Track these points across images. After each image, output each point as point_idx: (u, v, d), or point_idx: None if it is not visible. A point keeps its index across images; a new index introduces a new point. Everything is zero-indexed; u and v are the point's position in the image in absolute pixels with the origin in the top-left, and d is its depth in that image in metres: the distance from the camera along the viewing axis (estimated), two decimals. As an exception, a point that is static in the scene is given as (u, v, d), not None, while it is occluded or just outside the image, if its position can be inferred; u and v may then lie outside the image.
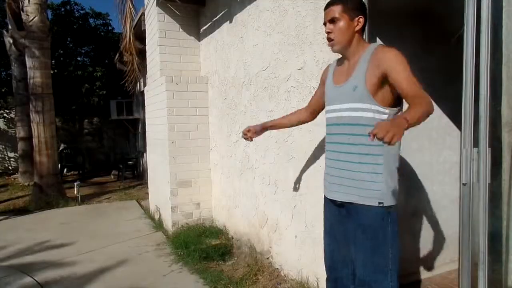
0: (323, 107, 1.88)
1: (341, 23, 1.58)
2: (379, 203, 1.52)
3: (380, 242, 1.54)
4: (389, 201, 1.53)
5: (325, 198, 1.77)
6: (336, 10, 1.59)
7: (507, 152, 1.58)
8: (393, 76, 1.45)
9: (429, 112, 1.36)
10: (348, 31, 1.59)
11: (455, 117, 2.66)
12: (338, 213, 1.70)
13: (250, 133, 2.02)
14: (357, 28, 1.60)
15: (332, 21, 1.60)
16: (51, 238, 3.99)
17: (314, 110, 1.99)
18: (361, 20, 1.60)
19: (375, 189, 1.52)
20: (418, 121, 1.32)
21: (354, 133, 1.56)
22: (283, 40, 2.69)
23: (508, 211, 1.59)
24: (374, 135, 1.19)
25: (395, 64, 1.45)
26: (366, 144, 1.52)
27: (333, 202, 1.70)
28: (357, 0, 1.63)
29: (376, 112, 1.52)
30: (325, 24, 1.65)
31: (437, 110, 2.72)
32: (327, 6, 1.63)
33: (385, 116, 1.52)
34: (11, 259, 3.43)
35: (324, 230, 1.83)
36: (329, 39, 1.64)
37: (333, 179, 1.67)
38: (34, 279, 2.94)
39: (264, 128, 2.08)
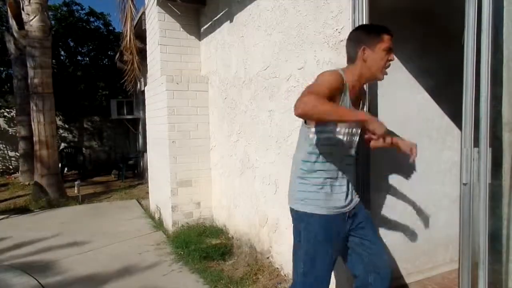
0: None
1: None
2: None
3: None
4: None
5: (332, 217, 1.63)
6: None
7: (508, 152, 1.57)
8: None
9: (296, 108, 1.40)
10: None
11: (456, 117, 2.66)
12: (347, 220, 1.69)
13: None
14: None
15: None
16: (51, 237, 4.00)
17: None
18: None
19: None
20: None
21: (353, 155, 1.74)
22: (283, 39, 2.69)
23: (509, 211, 1.58)
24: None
25: None
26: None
27: (347, 214, 1.68)
28: None
29: None
30: (391, 49, 1.60)
31: (437, 110, 2.72)
32: (391, 33, 1.61)
33: None
34: (11, 258, 3.43)
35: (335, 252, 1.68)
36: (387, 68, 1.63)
37: (345, 191, 1.70)
38: (35, 278, 2.95)
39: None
